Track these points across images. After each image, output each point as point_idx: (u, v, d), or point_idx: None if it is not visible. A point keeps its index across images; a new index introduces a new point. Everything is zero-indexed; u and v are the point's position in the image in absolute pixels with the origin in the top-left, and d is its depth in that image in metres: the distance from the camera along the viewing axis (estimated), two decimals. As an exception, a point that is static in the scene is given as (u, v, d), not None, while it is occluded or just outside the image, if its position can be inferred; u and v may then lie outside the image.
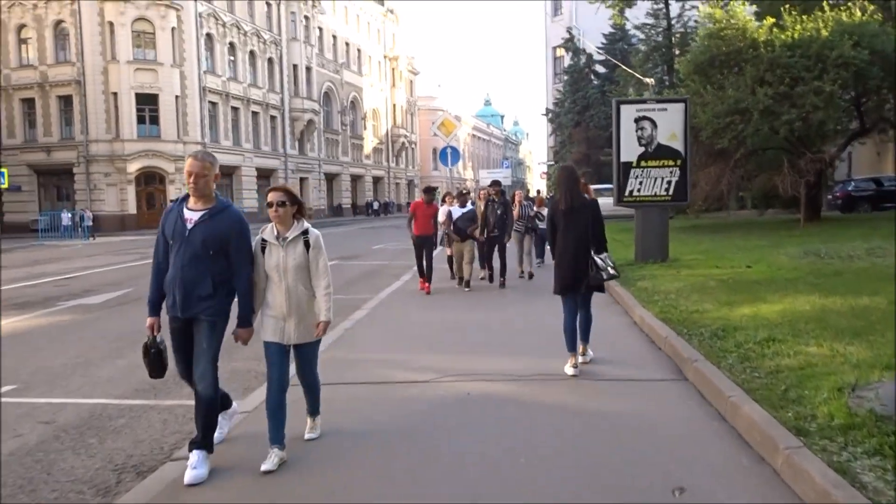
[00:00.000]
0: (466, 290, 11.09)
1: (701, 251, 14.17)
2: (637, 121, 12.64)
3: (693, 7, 37.96)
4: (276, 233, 4.04)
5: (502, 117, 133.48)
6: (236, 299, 4.02)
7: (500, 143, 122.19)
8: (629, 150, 12.69)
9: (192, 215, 3.91)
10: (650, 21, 36.14)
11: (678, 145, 12.64)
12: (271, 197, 3.99)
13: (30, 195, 42.07)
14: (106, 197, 40.79)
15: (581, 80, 44.67)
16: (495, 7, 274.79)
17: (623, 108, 12.83)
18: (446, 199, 12.55)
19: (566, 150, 44.73)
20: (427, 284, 11.03)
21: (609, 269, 5.79)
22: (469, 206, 11.36)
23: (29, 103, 42.07)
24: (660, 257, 12.68)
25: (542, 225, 17.55)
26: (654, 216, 12.81)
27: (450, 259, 12.65)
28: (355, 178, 67.26)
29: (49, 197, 43.06)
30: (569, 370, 5.68)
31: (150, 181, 41.98)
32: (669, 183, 12.67)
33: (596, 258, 5.72)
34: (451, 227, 11.17)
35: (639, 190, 12.70)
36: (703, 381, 5.09)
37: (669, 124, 12.61)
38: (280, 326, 4.04)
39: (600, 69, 45.68)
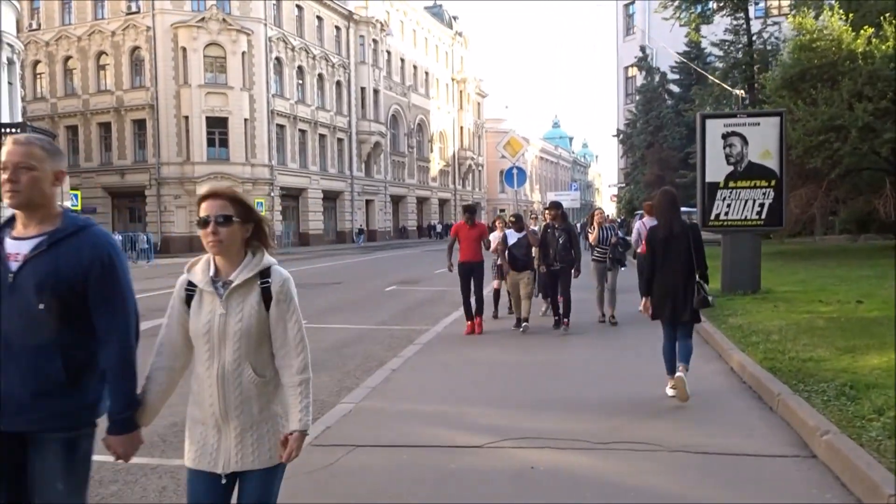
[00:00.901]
0: (522, 331, 9.26)
1: (796, 282, 12.64)
2: (725, 137, 11.35)
3: (775, 23, 36.22)
4: (211, 271, 2.41)
5: (571, 139, 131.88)
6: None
7: (568, 165, 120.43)
8: (716, 169, 11.41)
9: (17, 247, 2.26)
10: (729, 37, 34.32)
11: (772, 164, 11.27)
12: (205, 208, 2.40)
13: (104, 217, 43.12)
14: (175, 219, 41.51)
15: (654, 100, 43.02)
16: (565, 29, 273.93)
17: (709, 122, 11.57)
18: (496, 223, 10.81)
19: (638, 171, 43.05)
20: (477, 322, 9.40)
21: (710, 295, 5.79)
22: (524, 231, 9.67)
23: (105, 127, 43.44)
24: (750, 289, 11.28)
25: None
26: (744, 243, 11.43)
27: (496, 294, 11.08)
28: (421, 201, 67.01)
29: (122, 219, 44.18)
30: (669, 392, 5.70)
31: (219, 203, 42.44)
32: (762, 206, 11.29)
33: (700, 282, 5.67)
34: (506, 255, 9.54)
35: (727, 213, 11.37)
36: (843, 465, 3.87)
37: (762, 140, 11.27)
38: (210, 442, 2.36)
39: (674, 88, 43.94)
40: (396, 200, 61.85)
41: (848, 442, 4.03)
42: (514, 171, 19.12)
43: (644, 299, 5.94)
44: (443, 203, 71.86)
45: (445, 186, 72.75)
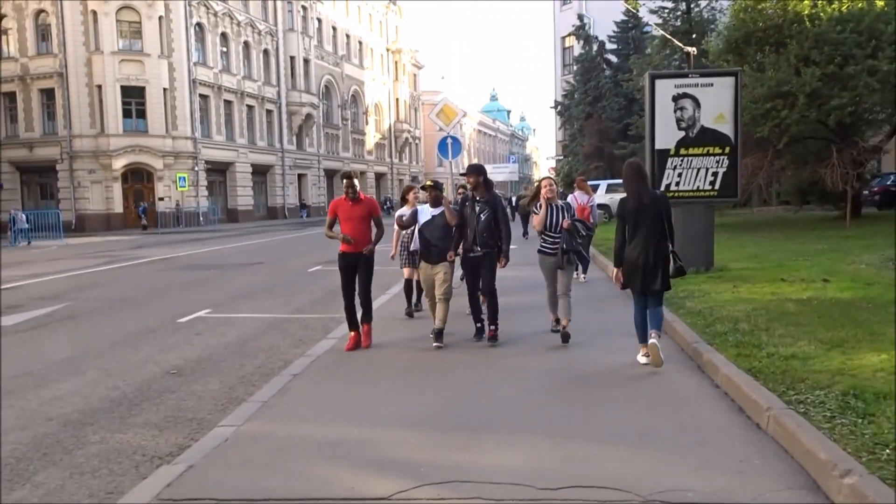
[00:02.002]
0: (436, 344, 6.84)
1: (749, 257, 11.83)
2: (676, 99, 10.30)
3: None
4: None
5: (508, 112, 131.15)
6: None
7: (506, 138, 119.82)
8: (666, 135, 10.37)
9: None
10: (668, 4, 33.64)
11: (727, 128, 10.30)
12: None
13: (12, 193, 39.89)
14: (91, 195, 38.68)
15: (593, 70, 42.21)
16: (502, 3, 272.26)
17: (659, 83, 10.49)
18: (408, 195, 8.42)
19: (577, 143, 42.34)
20: (364, 331, 7.02)
21: (682, 262, 5.86)
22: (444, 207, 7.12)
23: (10, 97, 39.95)
24: (704, 266, 10.37)
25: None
26: (697, 216, 10.46)
27: (408, 287, 8.84)
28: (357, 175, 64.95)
29: (33, 195, 40.98)
30: (641, 359, 5.86)
31: (137, 178, 39.84)
32: (715, 175, 10.33)
33: (675, 252, 5.78)
34: (417, 239, 7.46)
35: (678, 184, 10.36)
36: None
37: (716, 103, 10.27)
38: None
39: (612, 59, 43.25)
40: (331, 174, 59.71)
41: (882, 489, 2.96)
42: (449, 140, 17.84)
43: (616, 270, 6.00)
44: (379, 177, 70.04)
45: (382, 160, 70.88)
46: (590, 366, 5.94)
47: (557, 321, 6.97)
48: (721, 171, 10.31)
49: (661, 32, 34.16)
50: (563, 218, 6.78)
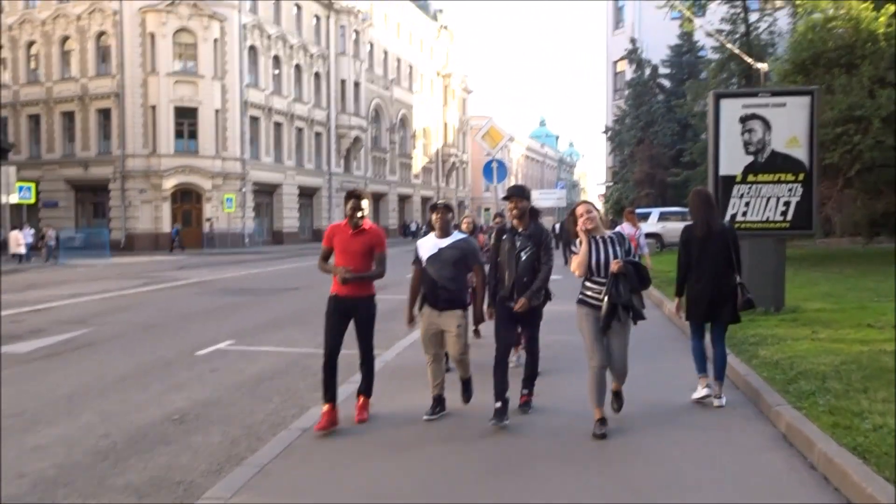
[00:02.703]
0: (432, 416, 5.36)
1: (823, 296, 10.68)
2: (744, 120, 9.35)
3: (768, 14, 34.29)
4: None
5: (557, 138, 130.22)
6: None
7: (554, 164, 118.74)
8: (732, 160, 9.40)
9: None
10: (725, 27, 32.43)
11: (801, 153, 9.28)
12: None
13: (66, 211, 40.80)
14: (140, 214, 39.13)
15: (645, 94, 41.10)
16: (553, 24, 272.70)
17: (724, 103, 9.56)
18: (464, 223, 8.29)
19: (627, 169, 41.13)
20: (358, 406, 5.45)
21: (752, 294, 5.65)
22: (458, 234, 5.47)
23: (69, 117, 40.99)
24: (774, 306, 9.29)
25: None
26: (766, 250, 9.40)
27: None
28: (403, 199, 64.88)
29: (86, 213, 41.79)
30: (701, 392, 5.57)
31: (187, 198, 40.23)
32: (787, 205, 9.29)
33: (743, 283, 5.58)
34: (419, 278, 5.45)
35: (745, 214, 9.36)
36: None
37: (789, 125, 9.28)
38: None
39: (665, 83, 42.08)
40: (377, 198, 59.61)
41: None
42: (494, 164, 17.14)
43: (676, 300, 5.80)
44: (426, 201, 69.70)
45: (429, 184, 70.62)
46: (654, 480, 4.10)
47: (602, 422, 4.79)
48: (794, 200, 9.28)
49: (719, 55, 33.10)
50: (615, 257, 4.82)
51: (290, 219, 47.10)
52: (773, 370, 6.01)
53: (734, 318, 5.61)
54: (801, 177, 9.29)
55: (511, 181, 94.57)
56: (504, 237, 5.36)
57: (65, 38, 40.81)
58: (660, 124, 39.38)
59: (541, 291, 5.24)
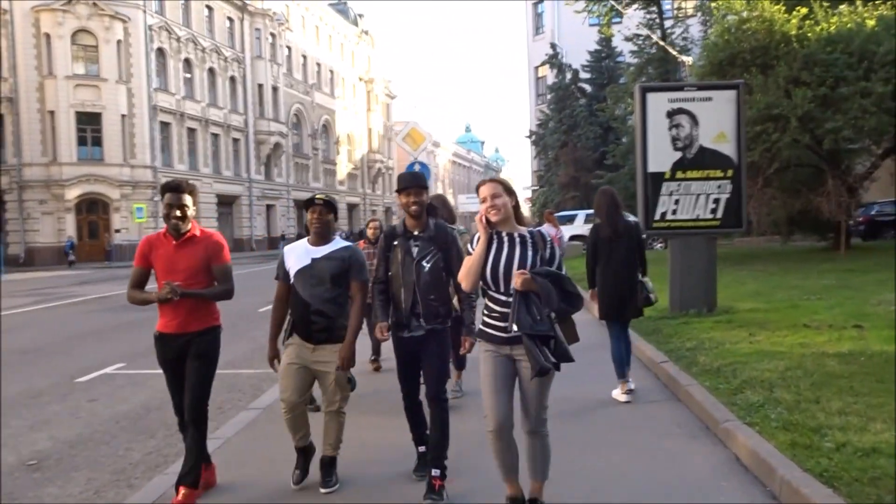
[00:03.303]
0: (324, 490, 3.95)
1: (752, 295, 10.46)
2: (671, 115, 8.98)
3: (682, 19, 35.13)
4: None
5: (482, 143, 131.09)
6: None
7: (480, 169, 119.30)
8: (660, 156, 9.02)
9: None
10: (643, 32, 32.93)
11: (728, 149, 8.98)
12: None
13: (-44, 224, 37.65)
14: (41, 227, 36.54)
15: (567, 98, 41.42)
16: (475, 32, 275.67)
17: (651, 97, 9.17)
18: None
19: (552, 172, 41.32)
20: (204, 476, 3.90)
21: (652, 293, 5.82)
22: (339, 242, 4.11)
23: (-44, 123, 37.86)
24: (706, 307, 8.94)
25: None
26: (696, 249, 9.05)
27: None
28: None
29: (-20, 226, 38.66)
30: (621, 396, 5.63)
31: (93, 209, 37.82)
32: (717, 202, 8.96)
33: (644, 281, 5.76)
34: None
35: (675, 212, 8.99)
36: None
37: (716, 119, 8.97)
38: None
39: (586, 87, 42.53)
40: (301, 205, 57.88)
41: None
42: (417, 166, 16.41)
43: (590, 291, 5.92)
44: (352, 208, 68.56)
45: (354, 190, 69.41)
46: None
47: (515, 498, 3.36)
48: (724, 197, 8.96)
49: (638, 59, 33.60)
50: (522, 265, 3.22)
51: (208, 228, 44.92)
52: (715, 379, 5.52)
53: (637, 314, 5.90)
54: (729, 173, 9.00)
55: (438, 187, 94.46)
56: (396, 243, 3.91)
57: (-50, 39, 37.69)
58: (583, 128, 39.70)
59: (471, 320, 3.82)
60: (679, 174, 8.99)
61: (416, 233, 3.90)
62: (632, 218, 6.05)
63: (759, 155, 15.26)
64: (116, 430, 5.68)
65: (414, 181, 3.90)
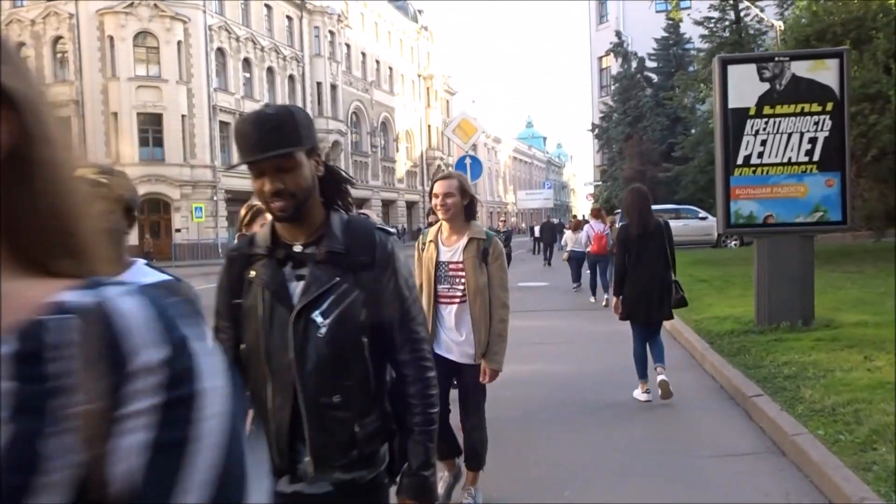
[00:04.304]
0: None
1: (854, 303, 8.87)
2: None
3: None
4: None
5: (545, 139, 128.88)
6: None
7: (542, 165, 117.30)
8: (743, 90, 7.46)
9: None
10: (714, 14, 30.83)
11: (829, 78, 7.38)
12: None
13: (27, 226, 38.69)
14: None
15: (632, 88, 39.51)
16: (535, 24, 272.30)
17: (733, 70, 7.73)
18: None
19: (616, 167, 39.50)
20: None
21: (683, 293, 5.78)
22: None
23: (27, 127, 38.93)
24: (801, 318, 7.47)
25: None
26: (790, 251, 7.46)
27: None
28: (387, 203, 62.97)
29: (48, 227, 39.71)
30: (641, 396, 5.58)
31: (154, 209, 38.23)
32: (814, 141, 7.32)
33: (677, 281, 5.67)
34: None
35: (761, 155, 7.41)
36: None
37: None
38: None
39: (653, 77, 40.49)
40: (359, 203, 57.40)
41: None
42: (468, 160, 15.30)
43: (615, 299, 5.80)
44: (410, 205, 67.94)
45: (413, 188, 68.78)
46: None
47: None
48: (822, 135, 7.34)
49: (709, 44, 31.50)
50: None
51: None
52: (831, 425, 4.19)
53: (669, 316, 5.78)
54: (829, 106, 7.40)
55: (498, 184, 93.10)
56: (252, 274, 1.75)
57: (19, 45, 38.68)
58: (648, 119, 37.78)
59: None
60: (766, 109, 7.43)
61: (301, 249, 1.75)
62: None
63: (853, 140, 13.48)
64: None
65: (271, 139, 1.65)
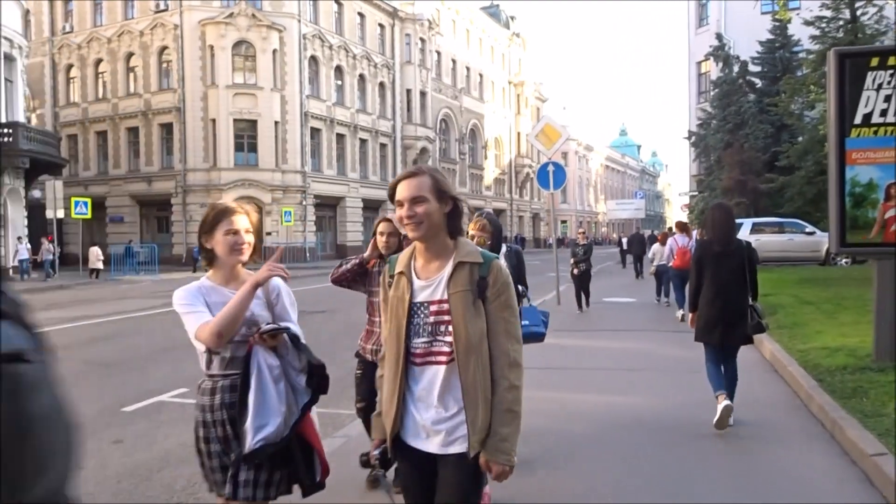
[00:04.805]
0: None
1: None
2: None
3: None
4: None
5: (639, 148, 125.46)
6: None
7: (636, 174, 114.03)
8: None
9: None
10: (827, 14, 28.65)
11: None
12: None
13: (132, 226, 40.71)
14: (201, 229, 38.47)
15: (733, 93, 37.38)
16: (631, 29, 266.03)
17: (853, 64, 6.76)
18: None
19: (714, 177, 37.46)
20: None
21: (764, 318, 5.44)
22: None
23: (133, 132, 41.01)
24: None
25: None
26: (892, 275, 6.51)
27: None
28: (474, 211, 62.45)
29: (150, 228, 41.63)
30: (721, 406, 5.09)
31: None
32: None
33: (755, 305, 5.38)
34: None
35: (884, 112, 6.32)
36: None
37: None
38: None
39: (756, 81, 38.21)
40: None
41: None
42: (550, 167, 14.62)
43: (691, 314, 5.57)
44: (498, 213, 67.09)
45: (501, 196, 68.22)
46: None
47: None
48: None
49: (820, 45, 29.29)
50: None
51: (354, 232, 45.68)
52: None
53: (746, 341, 5.48)
54: None
55: (589, 193, 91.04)
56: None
57: (129, 55, 40.86)
58: (751, 126, 35.61)
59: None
60: (892, 60, 6.43)
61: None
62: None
63: None
64: (106, 496, 4.44)
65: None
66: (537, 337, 4.76)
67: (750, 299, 5.36)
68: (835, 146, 6.62)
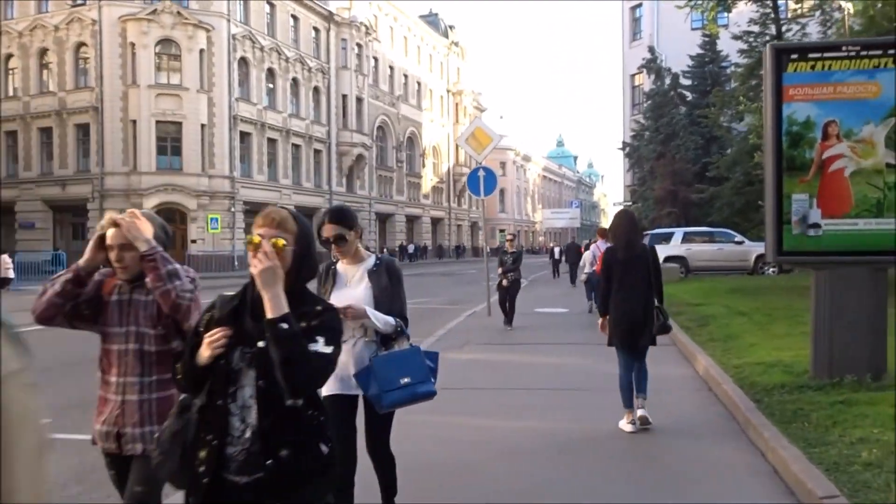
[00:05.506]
0: None
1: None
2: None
3: (799, 17, 31.10)
4: None
5: (575, 158, 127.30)
6: None
7: (572, 185, 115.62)
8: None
9: None
10: (754, 28, 29.20)
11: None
12: None
13: (44, 233, 38.25)
14: (120, 236, 36.42)
15: (665, 105, 37.91)
16: (567, 42, 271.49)
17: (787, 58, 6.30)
18: None
19: (647, 187, 37.84)
20: None
21: (669, 318, 5.70)
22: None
23: (46, 133, 38.60)
24: (868, 371, 5.92)
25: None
26: (856, 283, 6.05)
27: None
28: (412, 219, 61.90)
29: (65, 235, 39.23)
30: (627, 427, 5.41)
31: (170, 219, 37.42)
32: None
33: (660, 307, 5.56)
34: None
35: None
36: None
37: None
38: None
39: (687, 94, 38.86)
40: (383, 218, 56.74)
41: None
42: (481, 172, 13.98)
43: (601, 319, 5.65)
44: (436, 222, 66.78)
45: (439, 204, 67.71)
46: None
47: None
48: None
49: (748, 59, 29.81)
50: None
51: (284, 241, 44.21)
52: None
53: (652, 342, 5.53)
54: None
55: (528, 203, 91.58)
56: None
57: (43, 51, 38.52)
58: (682, 137, 36.10)
59: None
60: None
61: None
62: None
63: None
64: None
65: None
66: (425, 397, 3.34)
67: (656, 301, 5.47)
68: (772, 154, 6.13)
